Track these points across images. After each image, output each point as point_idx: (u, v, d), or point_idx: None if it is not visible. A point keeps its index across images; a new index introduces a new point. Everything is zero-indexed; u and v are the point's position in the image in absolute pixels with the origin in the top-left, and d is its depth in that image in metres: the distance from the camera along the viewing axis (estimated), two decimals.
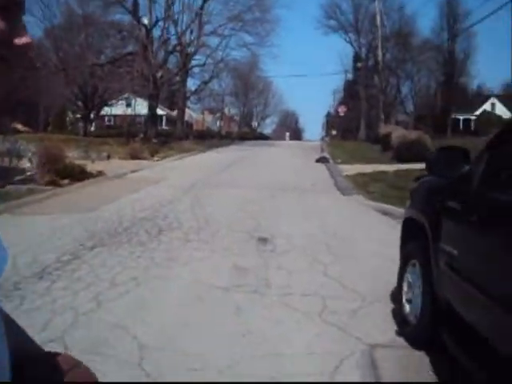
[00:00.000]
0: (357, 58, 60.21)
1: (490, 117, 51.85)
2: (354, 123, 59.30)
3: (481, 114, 54.83)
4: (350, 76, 65.93)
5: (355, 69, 61.04)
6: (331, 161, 25.12)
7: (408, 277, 4.43)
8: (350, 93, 63.08)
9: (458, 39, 52.36)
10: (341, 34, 61.35)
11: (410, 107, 59.43)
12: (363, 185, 15.93)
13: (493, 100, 59.61)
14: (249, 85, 72.86)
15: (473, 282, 3.12)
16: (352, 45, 61.24)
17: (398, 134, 26.39)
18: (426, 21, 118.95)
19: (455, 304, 3.50)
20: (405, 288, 4.48)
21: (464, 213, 3.41)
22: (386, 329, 4.45)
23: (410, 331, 4.15)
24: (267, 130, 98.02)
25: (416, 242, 4.29)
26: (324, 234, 8.59)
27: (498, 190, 3.14)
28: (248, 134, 65.41)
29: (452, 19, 53.72)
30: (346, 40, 61.38)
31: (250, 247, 7.37)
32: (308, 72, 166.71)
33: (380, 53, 43.56)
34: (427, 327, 3.92)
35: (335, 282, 5.82)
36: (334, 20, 60.74)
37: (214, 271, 6.05)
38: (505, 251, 2.87)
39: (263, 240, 7.81)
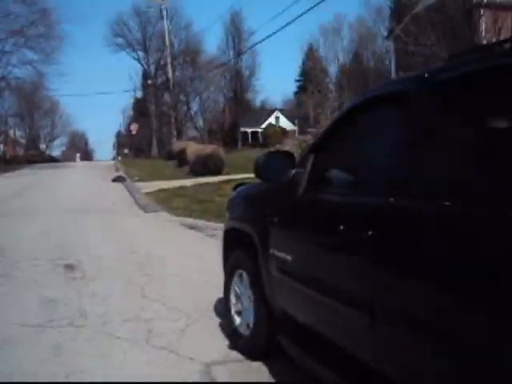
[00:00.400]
0: (146, 75, 60.26)
1: (275, 129, 55.33)
2: (146, 141, 59.21)
3: (267, 126, 58.15)
4: (139, 94, 65.75)
5: (145, 86, 61.00)
6: (128, 179, 24.62)
7: (235, 288, 4.35)
8: (140, 111, 62.85)
9: (243, 57, 55.20)
10: (129, 51, 61.08)
11: (201, 123, 61.00)
12: (165, 201, 15.83)
13: (277, 113, 63.66)
14: (34, 105, 68.69)
15: (309, 285, 3.12)
16: (140, 62, 61.25)
17: (192, 148, 26.79)
18: (213, 39, 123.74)
19: (291, 308, 3.49)
20: (233, 300, 4.39)
21: (293, 217, 3.42)
22: (217, 344, 4.32)
23: (244, 343, 4.06)
24: (56, 152, 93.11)
25: (242, 252, 4.23)
26: (134, 254, 8.26)
27: (323, 191, 3.19)
28: (36, 157, 61.38)
29: (237, 38, 56.54)
30: (134, 58, 61.24)
31: (57, 276, 6.77)
32: (98, 90, 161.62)
33: (170, 70, 43.94)
34: (262, 336, 3.87)
35: (156, 302, 5.55)
36: (121, 38, 60.25)
37: (20, 308, 5.40)
38: (333, 251, 2.91)
39: (70, 267, 7.24)
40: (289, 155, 3.50)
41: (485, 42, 18.02)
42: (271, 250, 3.57)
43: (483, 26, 19.33)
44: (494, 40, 17.68)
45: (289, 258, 3.35)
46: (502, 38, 17.60)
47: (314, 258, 3.16)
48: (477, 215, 2.05)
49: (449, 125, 2.52)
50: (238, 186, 4.86)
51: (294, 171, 3.36)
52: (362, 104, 3.05)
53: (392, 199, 2.45)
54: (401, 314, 2.32)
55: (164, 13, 43.60)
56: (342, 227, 2.71)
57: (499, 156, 2.25)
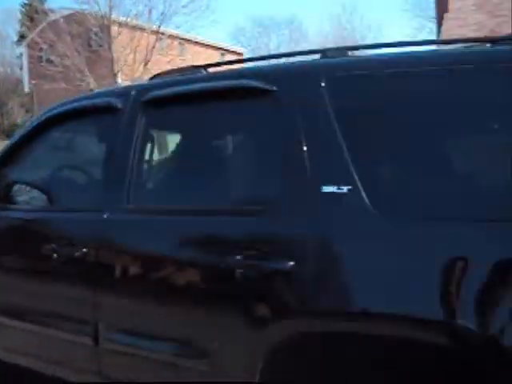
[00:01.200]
0: None
1: None
2: None
3: None
4: None
5: None
6: None
7: None
8: None
9: None
10: None
11: None
12: None
13: None
14: None
15: (14, 316, 2.74)
16: None
17: None
18: None
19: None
20: None
21: None
22: None
23: None
24: None
25: None
26: None
27: (15, 209, 2.89)
28: None
29: None
30: None
31: None
32: None
33: None
34: None
35: None
36: None
37: None
38: (42, 274, 2.65)
39: None
40: None
41: (120, 57, 18.83)
42: None
43: (118, 43, 20.12)
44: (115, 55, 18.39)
45: None
46: (138, 54, 18.64)
47: (15, 285, 2.76)
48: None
49: (154, 141, 2.61)
50: None
51: None
52: (61, 116, 2.78)
53: (106, 215, 2.39)
54: (125, 332, 2.30)
55: None
56: (49, 246, 2.49)
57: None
